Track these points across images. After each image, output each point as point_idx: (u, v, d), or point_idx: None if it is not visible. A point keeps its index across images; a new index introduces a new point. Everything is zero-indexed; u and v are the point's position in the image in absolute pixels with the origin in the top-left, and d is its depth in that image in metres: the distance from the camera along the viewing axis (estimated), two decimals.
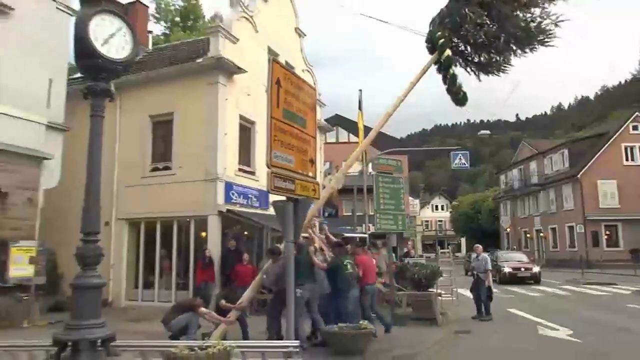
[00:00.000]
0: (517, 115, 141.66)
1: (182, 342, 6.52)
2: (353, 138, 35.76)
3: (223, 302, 8.89)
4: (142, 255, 15.97)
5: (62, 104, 13.96)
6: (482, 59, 11.05)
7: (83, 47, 6.09)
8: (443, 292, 13.11)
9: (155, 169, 15.77)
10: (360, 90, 23.60)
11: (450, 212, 79.56)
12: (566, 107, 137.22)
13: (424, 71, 10.80)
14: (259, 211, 15.78)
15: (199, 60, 15.16)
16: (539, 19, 10.55)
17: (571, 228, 38.53)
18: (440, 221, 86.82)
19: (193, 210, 14.68)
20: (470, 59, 11.13)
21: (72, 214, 12.50)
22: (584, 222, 36.38)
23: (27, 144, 12.23)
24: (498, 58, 10.94)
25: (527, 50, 10.79)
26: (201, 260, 13.84)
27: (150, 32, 23.06)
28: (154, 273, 15.66)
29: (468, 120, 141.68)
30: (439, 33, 10.58)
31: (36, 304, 11.90)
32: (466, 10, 10.28)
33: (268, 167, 6.68)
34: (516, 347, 9.09)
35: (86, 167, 6.27)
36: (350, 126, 36.84)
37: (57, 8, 13.39)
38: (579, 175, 37.73)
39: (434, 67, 10.86)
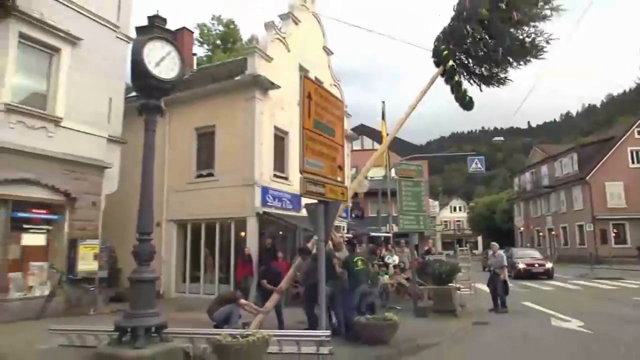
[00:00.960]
0: (528, 122, 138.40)
1: (226, 330, 6.58)
2: (377, 145, 35.57)
3: (264, 282, 9.00)
4: (189, 253, 16.14)
5: (120, 119, 14.34)
6: (483, 71, 11.15)
7: (138, 69, 6.28)
8: (462, 287, 12.88)
9: (199, 176, 15.96)
10: (383, 102, 23.57)
11: (468, 212, 78.22)
12: (574, 114, 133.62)
13: (432, 82, 10.89)
14: (292, 213, 15.82)
15: (237, 78, 15.35)
16: (532, 36, 10.69)
17: (581, 227, 37.62)
18: (458, 221, 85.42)
19: (233, 213, 14.78)
20: (472, 71, 11.22)
21: (128, 216, 12.78)
22: (593, 221, 35.55)
23: (91, 155, 12.58)
24: (497, 70, 11.07)
25: (522, 63, 10.88)
26: (241, 257, 13.96)
27: (195, 54, 23.53)
28: (199, 268, 15.84)
29: (483, 127, 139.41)
30: (443, 47, 10.67)
31: (100, 294, 12.17)
32: (467, 27, 10.45)
33: (301, 173, 6.71)
34: (531, 337, 8.87)
35: (141, 175, 6.44)
36: (374, 134, 36.68)
37: (116, 37, 13.80)
38: (587, 178, 37.03)
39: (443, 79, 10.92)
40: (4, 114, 10.67)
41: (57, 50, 11.98)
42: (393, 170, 21.89)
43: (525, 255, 24.49)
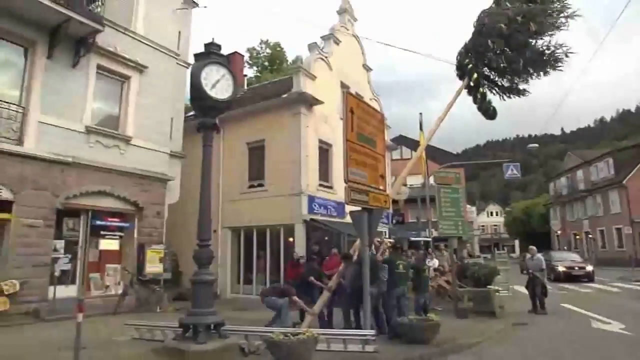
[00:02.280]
0: (562, 128, 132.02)
1: (278, 328, 6.61)
2: (415, 154, 34.99)
3: (312, 278, 9.00)
4: (242, 257, 16.37)
5: (180, 137, 14.88)
6: (504, 82, 10.95)
7: (197, 91, 6.49)
8: (500, 289, 12.36)
9: (251, 186, 16.22)
10: (421, 114, 23.10)
11: (504, 217, 75.26)
12: (608, 120, 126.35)
13: (458, 94, 10.73)
14: (337, 220, 15.78)
15: (284, 96, 15.56)
16: (552, 48, 10.42)
17: (619, 230, 35.33)
18: (495, 225, 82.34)
19: (282, 220, 14.90)
20: (494, 82, 11.02)
21: (188, 223, 13.22)
22: (631, 224, 33.25)
23: (156, 169, 13.11)
24: (518, 81, 10.84)
25: (542, 73, 10.61)
26: (291, 261, 13.99)
27: (246, 75, 24.08)
28: (252, 271, 16.04)
29: (517, 135, 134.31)
30: (467, 60, 10.55)
31: (165, 294, 12.54)
32: (488, 41, 10.31)
33: (345, 182, 6.69)
34: (572, 338, 8.34)
35: (200, 187, 6.61)
36: (412, 144, 36.11)
37: (177, 63, 14.39)
38: (624, 182, 34.88)
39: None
40: (85, 135, 11.35)
41: (127, 77, 12.62)
42: (432, 178, 21.45)
43: (565, 258, 23.04)
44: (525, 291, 12.25)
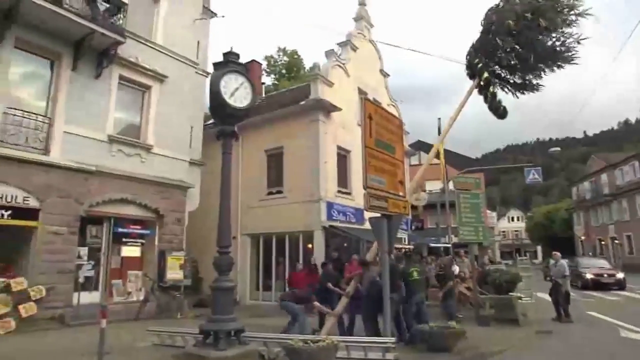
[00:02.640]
0: (584, 131, 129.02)
1: (298, 335, 6.59)
2: (434, 160, 34.65)
3: (329, 284, 8.97)
4: (262, 263, 16.46)
5: (199, 144, 15.08)
6: (516, 79, 10.80)
7: (216, 100, 6.56)
8: (523, 296, 12.08)
9: (270, 193, 16.31)
10: (439, 119, 22.75)
11: (526, 222, 73.73)
12: (633, 122, 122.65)
13: (469, 94, 10.62)
14: (355, 226, 15.72)
15: (302, 103, 15.65)
16: (562, 39, 10.20)
17: None
18: (517, 231, 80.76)
19: (301, 226, 14.94)
20: (506, 80, 10.88)
21: (207, 230, 13.34)
22: None
23: (176, 177, 13.30)
24: (530, 77, 10.67)
25: (555, 68, 10.40)
26: (307, 267, 13.98)
27: (263, 83, 24.32)
28: (271, 277, 16.08)
29: (537, 138, 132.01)
30: (477, 60, 10.42)
31: (185, 300, 12.65)
32: (497, 39, 10.20)
33: (364, 189, 6.67)
34: (599, 347, 8.05)
35: (220, 194, 6.66)
36: (430, 150, 35.76)
37: (196, 72, 14.63)
38: None
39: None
40: (107, 144, 11.62)
41: (148, 87, 12.89)
42: (451, 183, 21.20)
43: (593, 265, 21.85)
44: (549, 298, 11.96)
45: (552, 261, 12.26)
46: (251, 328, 7.39)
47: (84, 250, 10.94)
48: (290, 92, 19.89)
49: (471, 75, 10.69)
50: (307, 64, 36.35)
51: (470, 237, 11.52)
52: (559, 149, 29.73)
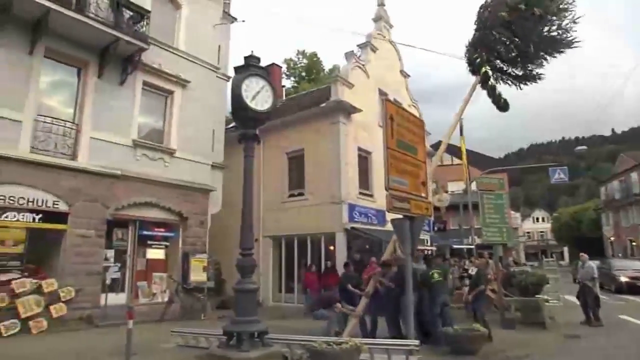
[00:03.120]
0: (612, 129, 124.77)
1: (321, 337, 6.59)
2: (456, 160, 34.23)
3: (349, 286, 8.98)
4: (284, 265, 16.51)
5: (221, 148, 15.27)
6: (518, 71, 10.81)
7: (238, 103, 6.64)
8: (550, 298, 11.78)
9: (291, 195, 16.37)
10: (461, 118, 22.60)
11: (551, 223, 71.86)
12: None
13: (472, 89, 10.61)
14: (377, 227, 15.63)
15: (322, 105, 15.68)
16: (557, 22, 10.20)
17: None
18: (542, 232, 78.74)
19: (323, 228, 14.92)
20: (508, 73, 10.88)
21: (229, 232, 13.48)
22: None
23: (199, 180, 13.50)
24: (532, 67, 10.67)
25: (556, 54, 10.38)
26: (327, 269, 14.07)
27: (284, 86, 24.52)
28: (293, 280, 16.12)
29: (562, 137, 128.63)
30: (475, 55, 10.41)
31: (209, 302, 12.82)
32: (494, 33, 10.24)
33: (386, 190, 6.63)
34: (630, 352, 7.76)
35: (242, 197, 6.73)
36: (453, 150, 35.33)
37: (217, 76, 14.84)
38: None
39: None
40: (132, 149, 11.89)
41: (170, 92, 13.14)
42: (474, 184, 20.89)
43: (627, 267, 20.53)
44: (578, 301, 11.63)
45: (580, 263, 11.92)
46: (274, 330, 7.41)
47: (110, 253, 11.23)
48: (311, 94, 19.95)
49: (472, 71, 10.74)
50: (327, 66, 36.47)
51: (495, 238, 11.33)
52: (585, 147, 28.94)
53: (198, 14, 13.99)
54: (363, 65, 16.93)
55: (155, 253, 12.86)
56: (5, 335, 8.63)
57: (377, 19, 18.83)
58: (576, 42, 10.19)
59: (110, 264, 11.10)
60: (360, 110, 15.60)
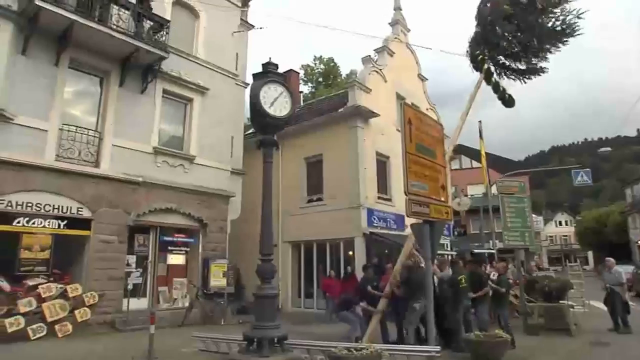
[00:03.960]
0: (638, 130, 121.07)
1: (341, 343, 6.56)
2: (475, 164, 33.83)
3: (369, 287, 8.96)
4: (303, 270, 16.53)
5: (240, 154, 15.41)
6: (521, 66, 10.67)
7: (257, 110, 6.69)
8: (575, 304, 11.46)
9: (310, 201, 16.41)
10: (480, 122, 22.24)
11: (575, 226, 70.04)
12: None
13: (478, 87, 10.60)
14: (396, 232, 15.52)
15: (340, 110, 15.70)
16: (562, 17, 9.97)
17: None
18: (565, 236, 76.70)
19: (342, 233, 14.90)
20: (512, 68, 10.75)
21: (249, 238, 13.56)
22: None
23: (218, 186, 13.64)
24: (535, 61, 10.51)
25: (560, 45, 10.19)
26: (346, 275, 14.00)
27: (301, 92, 24.61)
28: (312, 285, 16.11)
29: (585, 139, 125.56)
30: (478, 52, 10.37)
31: (229, 307, 12.92)
32: (497, 28, 10.14)
33: (406, 195, 6.58)
34: None
35: (261, 203, 6.76)
36: (472, 153, 34.91)
37: (235, 83, 15.02)
38: None
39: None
40: (152, 156, 12.11)
41: (190, 100, 13.35)
42: (494, 187, 20.58)
43: None
44: (605, 307, 11.28)
45: (605, 268, 11.59)
46: (293, 335, 7.42)
47: (132, 259, 11.43)
48: (328, 99, 19.99)
49: (476, 68, 10.69)
50: (344, 71, 36.50)
51: (516, 243, 11.15)
52: (609, 148, 28.17)
53: (216, 22, 14.20)
54: (380, 69, 16.91)
55: (176, 259, 13.02)
56: (32, 338, 8.85)
57: (394, 23, 18.79)
58: (579, 29, 10.06)
59: (132, 270, 11.28)
60: (377, 115, 15.57)
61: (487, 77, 10.45)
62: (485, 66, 10.28)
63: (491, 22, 10.28)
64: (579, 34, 10.09)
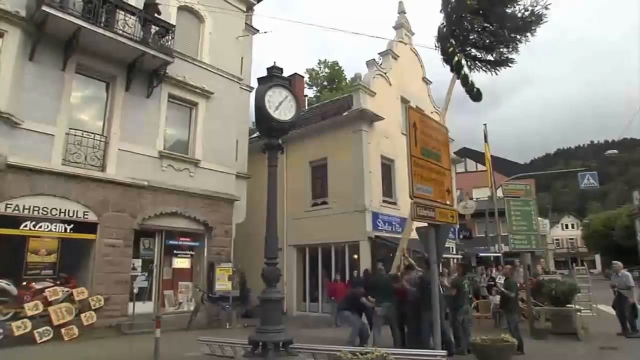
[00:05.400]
0: None
1: (346, 347, 6.54)
2: (480, 167, 33.74)
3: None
4: (308, 274, 16.50)
5: (245, 158, 15.46)
6: (493, 56, 11.01)
7: (262, 114, 6.68)
8: (582, 308, 11.36)
9: (315, 204, 16.39)
10: (485, 125, 22.19)
11: (581, 229, 69.54)
12: None
13: (453, 81, 10.86)
14: (401, 236, 15.45)
15: (345, 114, 15.70)
16: (530, 8, 10.45)
17: None
18: (572, 239, 76.12)
19: (347, 237, 14.87)
20: (483, 60, 11.05)
21: (254, 242, 13.56)
22: None
23: (224, 190, 13.68)
24: (506, 51, 10.87)
25: (529, 34, 10.61)
26: (350, 279, 13.98)
27: (306, 95, 24.64)
28: (318, 288, 16.08)
29: (591, 141, 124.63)
30: (449, 45, 10.58)
31: (234, 311, 12.90)
32: (465, 22, 10.48)
33: (411, 198, 6.56)
34: None
35: (267, 206, 6.74)
36: (477, 156, 34.82)
37: (240, 87, 15.08)
38: None
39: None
40: (158, 160, 12.17)
41: (195, 104, 13.41)
42: (500, 190, 20.49)
43: None
44: (613, 311, 11.17)
45: (613, 272, 11.49)
46: (299, 339, 7.38)
47: (137, 262, 11.48)
48: (333, 103, 20.01)
49: (446, 61, 10.84)
50: (349, 74, 36.56)
51: (522, 246, 11.10)
52: (616, 151, 27.97)
53: (221, 26, 14.28)
54: (384, 73, 16.91)
55: (181, 262, 13.06)
56: (39, 342, 8.90)
57: (398, 26, 18.81)
58: (545, 18, 10.45)
59: (138, 273, 11.33)
60: (382, 118, 15.57)
61: (457, 69, 10.58)
62: (455, 59, 10.37)
63: (459, 16, 10.48)
64: (544, 22, 10.50)
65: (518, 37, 10.67)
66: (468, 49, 10.90)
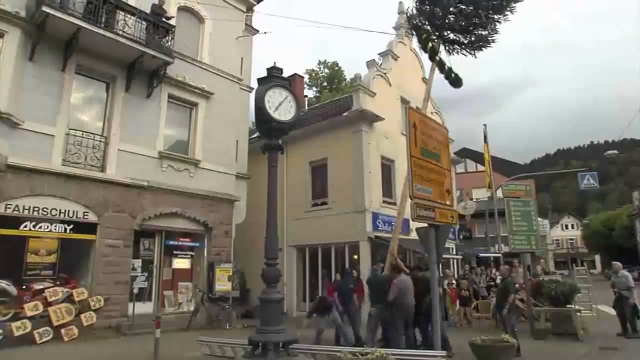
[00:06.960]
0: None
1: (346, 348, 6.54)
2: (480, 167, 33.76)
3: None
4: (308, 275, 16.48)
5: (245, 158, 15.46)
6: (472, 38, 10.74)
7: (261, 114, 6.67)
8: (582, 308, 11.36)
9: (315, 204, 16.38)
10: (485, 125, 22.16)
11: (581, 230, 69.55)
12: None
13: (433, 70, 10.82)
14: (401, 236, 15.39)
15: (345, 114, 15.69)
16: None
17: None
18: (572, 239, 76.14)
19: (347, 237, 14.85)
20: (462, 43, 10.81)
21: (254, 242, 13.57)
22: None
23: (223, 191, 13.69)
24: (484, 32, 10.61)
25: (507, 13, 10.40)
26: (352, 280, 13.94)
27: (306, 96, 24.65)
28: (318, 289, 16.05)
29: (591, 142, 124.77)
30: (422, 31, 10.43)
31: (234, 311, 12.92)
32: (438, 7, 10.30)
33: (411, 199, 6.55)
34: None
35: (266, 207, 6.74)
36: (476, 157, 34.84)
37: (240, 88, 15.09)
38: None
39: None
40: (158, 160, 12.17)
41: (195, 104, 13.42)
42: (499, 191, 20.49)
43: None
44: (612, 311, 11.17)
45: (612, 272, 11.49)
46: (299, 340, 7.40)
47: (137, 263, 11.48)
48: (333, 103, 19.99)
49: (423, 48, 10.68)
50: (348, 75, 36.58)
51: (522, 246, 11.10)
52: (616, 151, 27.97)
53: (221, 27, 14.28)
54: (384, 73, 16.91)
55: (181, 263, 13.06)
56: (38, 342, 8.89)
57: (398, 26, 18.80)
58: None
59: (138, 274, 11.33)
60: (382, 119, 15.56)
61: (431, 56, 10.47)
62: (430, 45, 10.27)
63: (431, 1, 10.36)
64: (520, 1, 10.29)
65: (496, 17, 10.45)
66: (446, 33, 10.68)
